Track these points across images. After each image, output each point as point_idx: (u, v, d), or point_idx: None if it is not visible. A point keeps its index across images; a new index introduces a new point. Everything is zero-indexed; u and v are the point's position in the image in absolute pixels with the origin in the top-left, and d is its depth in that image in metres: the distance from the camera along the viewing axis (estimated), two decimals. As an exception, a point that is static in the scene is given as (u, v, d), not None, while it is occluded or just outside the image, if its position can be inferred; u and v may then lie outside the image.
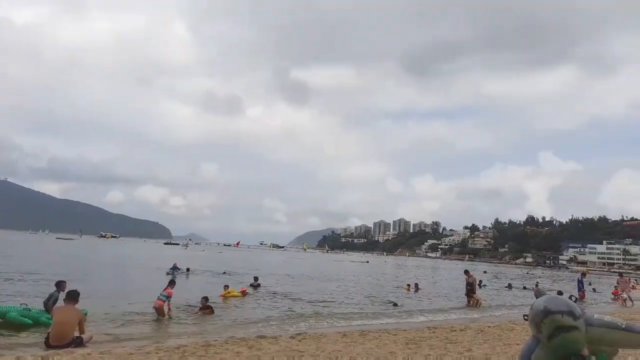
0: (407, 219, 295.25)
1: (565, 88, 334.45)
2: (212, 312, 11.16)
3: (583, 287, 21.75)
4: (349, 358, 5.82)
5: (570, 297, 14.27)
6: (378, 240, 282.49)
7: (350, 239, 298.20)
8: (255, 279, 19.22)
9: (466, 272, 17.71)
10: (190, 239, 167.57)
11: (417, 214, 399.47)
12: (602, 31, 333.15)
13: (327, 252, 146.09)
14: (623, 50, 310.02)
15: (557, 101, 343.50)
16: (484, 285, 26.76)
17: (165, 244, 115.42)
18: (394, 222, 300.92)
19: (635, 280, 43.77)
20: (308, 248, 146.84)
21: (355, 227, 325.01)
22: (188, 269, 25.26)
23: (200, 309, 11.22)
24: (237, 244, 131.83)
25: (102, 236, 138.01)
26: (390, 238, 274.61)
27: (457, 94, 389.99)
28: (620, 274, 23.59)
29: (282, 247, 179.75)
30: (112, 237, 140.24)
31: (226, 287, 15.23)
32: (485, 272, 50.87)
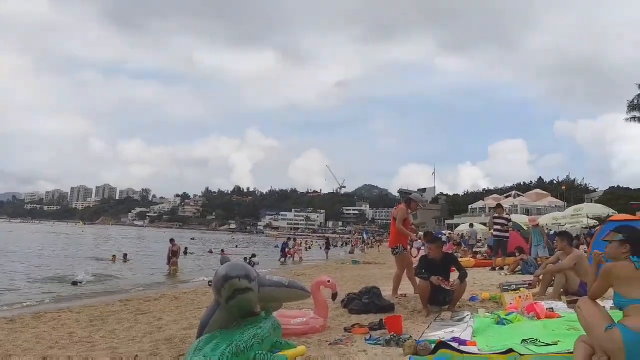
0: (113, 185, 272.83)
1: (268, 71, 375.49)
2: None
3: (287, 248, 25.53)
4: (11, 347, 4.84)
5: (249, 262, 16.14)
6: (76, 207, 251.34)
7: (38, 206, 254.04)
8: None
9: (171, 240, 17.78)
10: None
11: (124, 179, 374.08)
12: (295, 25, 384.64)
13: None
14: (311, 46, 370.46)
15: (262, 82, 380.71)
16: (191, 253, 27.44)
17: None
18: (97, 187, 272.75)
19: (309, 241, 53.86)
20: None
21: (46, 192, 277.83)
22: None
23: None
24: None
25: None
26: (91, 205, 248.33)
27: (172, 57, 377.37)
28: (294, 239, 28.26)
29: None
30: None
31: None
32: (192, 238, 52.58)
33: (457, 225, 50.95)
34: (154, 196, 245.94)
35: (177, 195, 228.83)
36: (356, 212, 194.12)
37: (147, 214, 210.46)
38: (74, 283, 12.48)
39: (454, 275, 5.85)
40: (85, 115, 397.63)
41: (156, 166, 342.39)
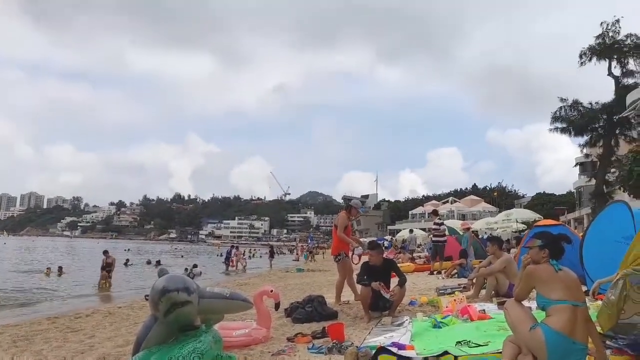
0: (40, 193, 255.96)
1: (205, 75, 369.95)
2: None
3: (231, 257, 25.02)
4: None
5: (190, 273, 15.71)
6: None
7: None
8: None
9: (105, 252, 16.88)
10: None
11: (53, 187, 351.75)
12: (232, 28, 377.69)
13: None
14: (250, 48, 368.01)
15: (200, 86, 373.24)
16: (132, 264, 26.37)
17: None
18: (22, 195, 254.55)
19: (253, 250, 53.15)
20: None
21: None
22: None
23: None
24: None
25: None
26: (15, 215, 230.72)
27: (101, 58, 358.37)
28: (237, 247, 27.72)
29: None
30: None
31: None
32: (128, 250, 50.15)
33: (398, 231, 52.47)
34: (86, 205, 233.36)
35: (112, 204, 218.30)
36: (301, 219, 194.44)
37: (79, 224, 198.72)
38: None
39: (395, 281, 6.03)
40: (7, 118, 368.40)
41: (88, 173, 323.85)
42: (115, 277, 16.40)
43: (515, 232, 24.12)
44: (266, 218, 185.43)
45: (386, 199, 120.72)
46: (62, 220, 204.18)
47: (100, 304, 11.15)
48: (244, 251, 30.51)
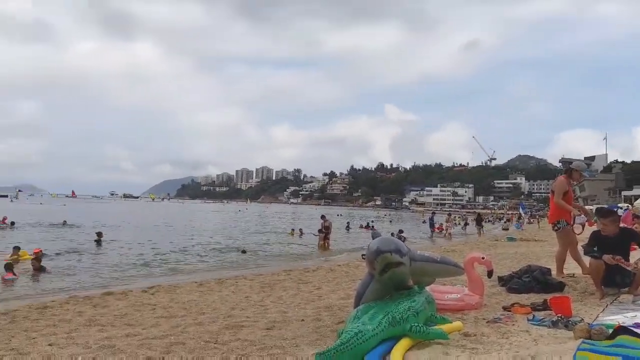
0: (270, 167, 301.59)
1: (395, 44, 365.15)
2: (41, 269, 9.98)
3: (434, 223, 26.53)
4: (204, 306, 5.82)
5: (399, 237, 16.35)
6: (241, 188, 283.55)
7: (211, 188, 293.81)
8: (99, 234, 17.26)
9: (322, 217, 18.92)
10: (20, 190, 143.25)
11: (278, 161, 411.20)
12: None
13: (163, 199, 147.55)
14: (437, 9, 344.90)
15: (391, 57, 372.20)
16: (350, 228, 29.32)
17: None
18: (257, 169, 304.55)
19: (459, 216, 51.77)
20: (156, 198, 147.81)
21: (217, 175, 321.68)
22: (13, 223, 22.04)
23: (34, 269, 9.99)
24: (72, 193, 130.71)
25: None
26: (253, 186, 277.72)
27: (302, 45, 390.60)
28: (449, 214, 27.78)
29: (137, 197, 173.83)
30: None
31: (16, 249, 11.53)
32: (339, 215, 54.95)
33: (637, 197, 43.65)
34: (305, 176, 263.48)
35: (325, 174, 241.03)
36: (510, 185, 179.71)
37: (300, 193, 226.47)
38: (243, 252, 14.88)
39: (635, 255, 5.11)
40: (238, 106, 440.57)
41: (303, 148, 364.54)
42: (333, 238, 18.32)
43: None
44: (470, 185, 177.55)
45: (619, 160, 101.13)
46: (287, 190, 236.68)
47: (322, 262, 12.65)
48: (452, 218, 30.25)
